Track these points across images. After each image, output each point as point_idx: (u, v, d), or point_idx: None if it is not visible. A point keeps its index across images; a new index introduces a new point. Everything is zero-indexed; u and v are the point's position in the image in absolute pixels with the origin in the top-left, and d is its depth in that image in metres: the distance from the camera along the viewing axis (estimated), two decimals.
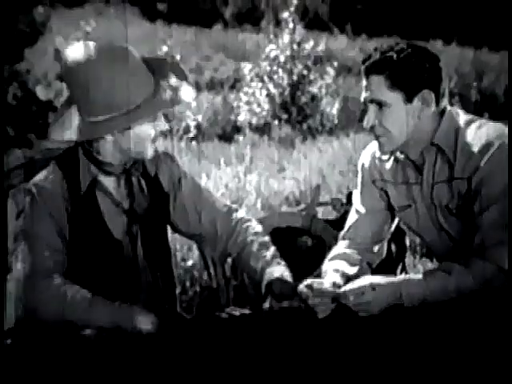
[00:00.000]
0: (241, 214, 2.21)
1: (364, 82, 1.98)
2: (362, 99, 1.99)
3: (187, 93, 1.95)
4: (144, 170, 2.06)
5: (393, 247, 2.55)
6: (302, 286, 1.97)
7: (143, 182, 2.05)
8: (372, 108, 1.97)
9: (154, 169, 2.09)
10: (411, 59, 1.93)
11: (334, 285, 1.98)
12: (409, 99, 1.94)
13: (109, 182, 1.99)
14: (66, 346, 1.72)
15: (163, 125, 1.97)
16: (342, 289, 1.92)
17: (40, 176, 1.94)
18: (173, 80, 1.96)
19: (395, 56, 1.93)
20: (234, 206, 2.25)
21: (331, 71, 10.24)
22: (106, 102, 1.85)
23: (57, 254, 1.88)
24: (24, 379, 1.66)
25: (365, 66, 1.96)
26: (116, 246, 1.98)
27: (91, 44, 1.88)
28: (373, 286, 1.87)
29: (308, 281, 1.98)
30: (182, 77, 1.98)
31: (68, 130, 1.92)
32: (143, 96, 1.88)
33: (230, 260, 2.31)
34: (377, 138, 2.02)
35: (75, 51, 1.87)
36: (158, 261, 2.08)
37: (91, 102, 1.85)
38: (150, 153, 1.97)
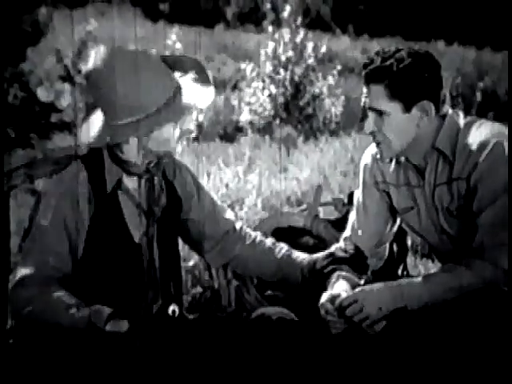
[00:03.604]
0: (248, 229, 2.27)
1: (364, 89, 1.99)
2: (362, 104, 2.01)
3: (206, 96, 1.96)
4: (163, 171, 2.08)
5: (394, 247, 2.55)
6: (324, 301, 1.95)
7: (163, 183, 2.07)
8: (372, 115, 1.98)
9: (172, 173, 2.12)
10: (411, 70, 1.92)
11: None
12: (407, 109, 1.95)
13: (131, 182, 2.00)
14: (66, 346, 1.72)
15: (191, 122, 1.98)
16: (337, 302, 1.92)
17: (63, 175, 1.94)
18: (192, 77, 1.97)
19: (395, 65, 1.92)
20: (245, 225, 2.29)
21: (333, 71, 10.23)
22: (129, 106, 1.87)
23: (58, 260, 1.88)
24: (25, 378, 1.67)
25: (365, 73, 1.96)
26: (135, 249, 1.98)
27: (113, 48, 1.91)
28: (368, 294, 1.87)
29: (329, 294, 1.96)
30: (203, 76, 1.99)
31: (94, 133, 1.94)
32: (164, 98, 1.90)
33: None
34: (377, 144, 2.03)
35: (98, 55, 1.90)
36: (171, 264, 2.09)
37: (114, 106, 1.88)
38: (177, 150, 2.00)
